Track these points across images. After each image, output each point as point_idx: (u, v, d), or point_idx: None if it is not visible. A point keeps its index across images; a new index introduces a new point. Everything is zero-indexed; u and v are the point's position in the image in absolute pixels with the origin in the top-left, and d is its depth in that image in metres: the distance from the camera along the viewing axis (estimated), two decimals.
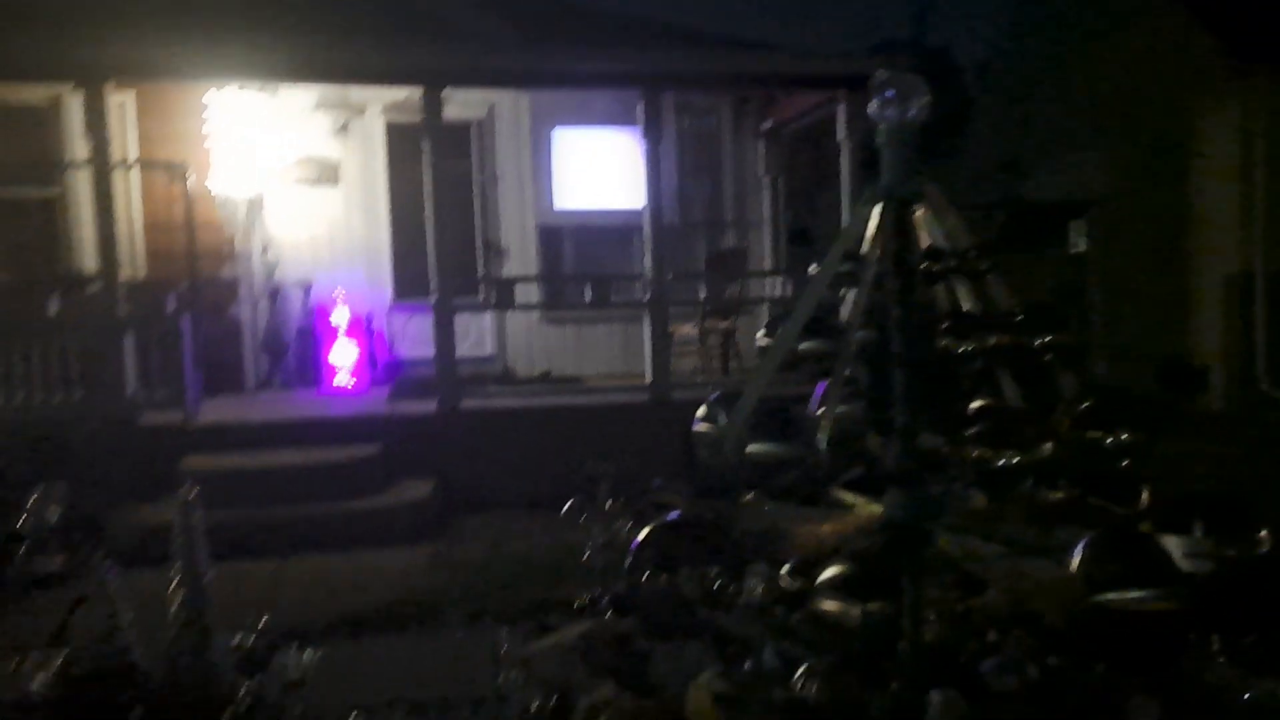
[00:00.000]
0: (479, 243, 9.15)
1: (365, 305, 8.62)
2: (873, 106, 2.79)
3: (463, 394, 7.03)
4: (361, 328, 8.52)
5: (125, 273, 7.02)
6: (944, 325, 2.81)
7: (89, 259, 7.72)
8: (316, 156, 8.55)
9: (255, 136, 8.08)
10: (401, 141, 8.75)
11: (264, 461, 6.13)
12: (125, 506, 5.88)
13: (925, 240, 2.83)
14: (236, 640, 3.42)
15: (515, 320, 8.99)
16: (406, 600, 4.49)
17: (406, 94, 8.10)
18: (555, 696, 3.06)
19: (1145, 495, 2.79)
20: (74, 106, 7.69)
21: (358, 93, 8.53)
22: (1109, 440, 2.71)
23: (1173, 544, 2.61)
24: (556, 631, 3.56)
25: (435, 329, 7.00)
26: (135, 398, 6.59)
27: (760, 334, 3.15)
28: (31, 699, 2.92)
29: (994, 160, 10.83)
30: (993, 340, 2.76)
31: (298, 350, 8.58)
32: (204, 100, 7.94)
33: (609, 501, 4.36)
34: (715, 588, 2.86)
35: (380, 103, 8.67)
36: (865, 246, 2.87)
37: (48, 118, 7.96)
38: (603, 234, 9.38)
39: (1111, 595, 2.38)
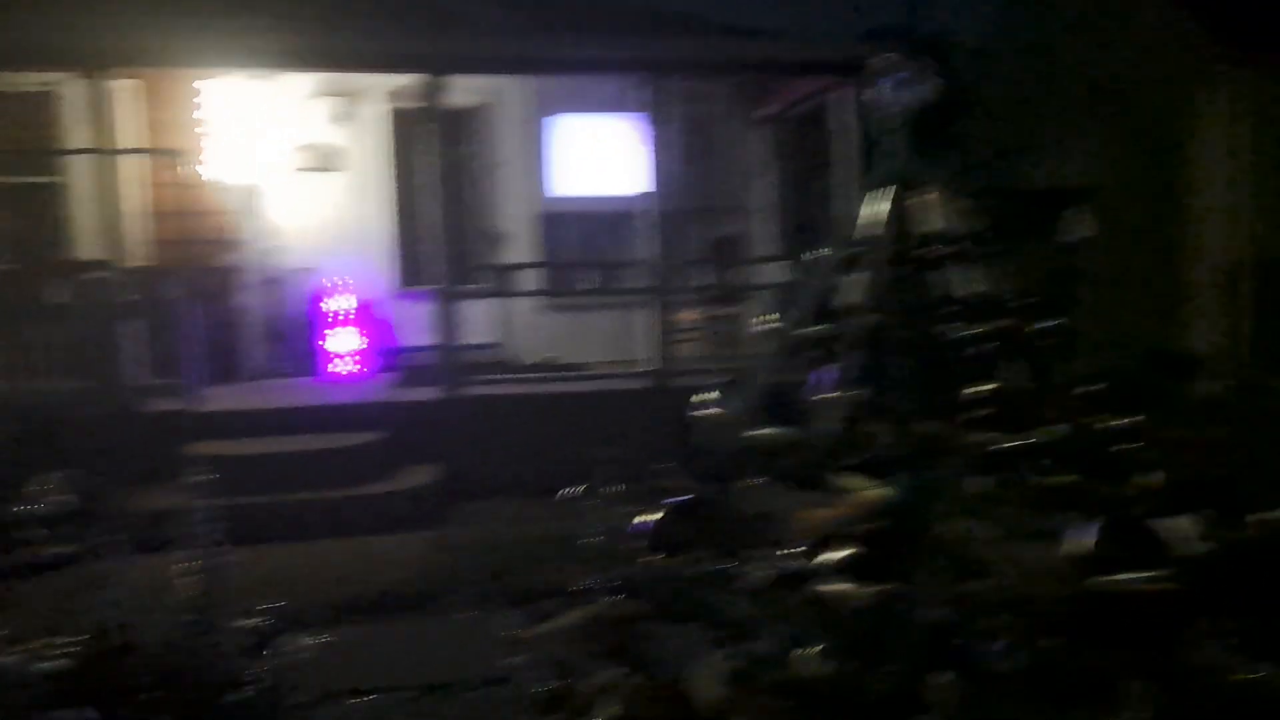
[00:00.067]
0: (481, 230, 9.15)
1: (366, 292, 8.63)
2: (875, 92, 2.80)
3: (465, 381, 7.05)
4: (364, 315, 8.53)
5: (128, 259, 7.03)
6: (945, 310, 2.83)
7: (91, 246, 7.73)
8: (318, 143, 8.54)
9: (256, 123, 8.07)
10: (403, 128, 8.74)
11: (267, 448, 6.16)
12: (129, 492, 5.91)
13: (929, 225, 2.85)
14: (243, 623, 3.45)
15: (516, 307, 8.99)
16: (411, 585, 4.53)
17: (409, 80, 8.09)
18: (560, 678, 3.09)
19: (1147, 479, 2.81)
20: (75, 93, 7.69)
21: (360, 79, 8.51)
22: (1112, 424, 2.73)
23: (1169, 527, 2.63)
24: (560, 615, 3.59)
25: (438, 316, 7.01)
26: (137, 384, 6.61)
27: (762, 319, 3.16)
28: (42, 679, 2.95)
29: (987, 148, 10.81)
30: (993, 325, 2.78)
31: (300, 337, 8.60)
32: (205, 87, 7.93)
33: (611, 486, 4.39)
34: (718, 570, 2.88)
35: (382, 89, 8.66)
36: (867, 232, 2.89)
37: (48, 104, 7.95)
38: (603, 220, 9.38)
39: (1108, 577, 2.41)
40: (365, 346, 8.47)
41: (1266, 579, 2.87)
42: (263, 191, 8.39)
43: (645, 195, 7.38)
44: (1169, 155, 9.27)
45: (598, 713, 2.84)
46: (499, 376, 7.83)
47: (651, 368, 7.33)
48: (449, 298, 7.01)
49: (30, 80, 7.86)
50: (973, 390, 2.92)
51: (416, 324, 8.77)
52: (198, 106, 7.95)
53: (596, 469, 4.76)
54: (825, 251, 3.15)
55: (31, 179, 8.13)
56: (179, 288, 7.28)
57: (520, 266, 8.03)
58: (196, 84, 7.90)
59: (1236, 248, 8.52)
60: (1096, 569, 2.53)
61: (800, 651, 2.77)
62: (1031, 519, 2.94)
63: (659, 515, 3.19)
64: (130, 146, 7.81)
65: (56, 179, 8.08)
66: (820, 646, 2.76)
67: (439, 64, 6.88)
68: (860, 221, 2.98)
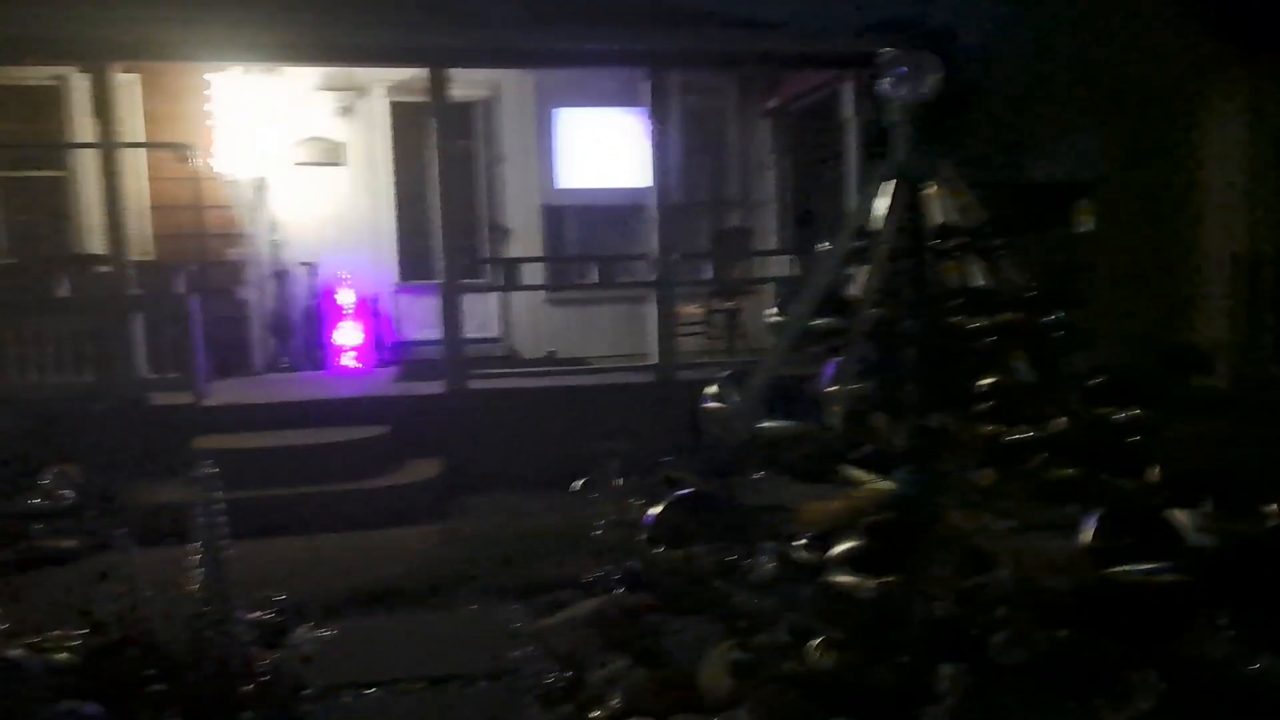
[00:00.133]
0: (484, 223, 9.15)
1: (370, 286, 8.64)
2: (885, 84, 2.80)
3: (468, 375, 7.06)
4: (367, 309, 8.54)
5: (133, 253, 7.03)
6: (955, 302, 2.83)
7: (96, 239, 7.74)
8: (321, 137, 8.54)
9: (260, 117, 8.07)
10: (406, 121, 8.74)
11: (274, 441, 6.17)
12: (137, 485, 5.92)
13: (936, 218, 2.84)
14: (254, 615, 3.47)
15: (519, 301, 9.00)
16: (419, 577, 4.54)
17: (411, 74, 8.08)
18: (569, 670, 3.11)
19: (1154, 471, 2.81)
20: (80, 87, 7.69)
21: (362, 73, 8.51)
22: (1118, 416, 2.73)
23: (1180, 519, 2.64)
24: (569, 606, 3.61)
25: (442, 309, 7.02)
26: (145, 378, 6.62)
27: (771, 311, 3.16)
28: (50, 672, 2.97)
29: (996, 140, 10.78)
30: (1004, 317, 2.78)
31: (304, 332, 8.61)
32: (209, 81, 7.93)
33: (618, 479, 4.40)
34: (727, 563, 2.89)
35: (384, 83, 8.65)
36: (872, 225, 2.89)
37: (54, 98, 7.96)
38: (607, 214, 9.38)
39: (1119, 569, 2.41)
40: (369, 341, 8.48)
41: (1269, 572, 2.87)
42: (268, 186, 8.39)
43: (649, 189, 7.37)
44: (1176, 149, 9.24)
45: (606, 704, 2.85)
46: (502, 371, 7.83)
47: (654, 361, 7.33)
48: (451, 292, 7.01)
49: (38, 74, 7.87)
50: (979, 383, 2.93)
51: (419, 319, 8.79)
52: (207, 99, 7.95)
53: (601, 462, 4.77)
54: (831, 245, 3.15)
55: (38, 173, 8.14)
56: (185, 282, 7.29)
57: (523, 260, 8.03)
58: (205, 77, 7.89)
59: (1252, 240, 8.51)
60: (1099, 561, 2.53)
61: (809, 643, 2.78)
62: (1038, 512, 2.95)
63: (662, 508, 3.20)
64: (136, 140, 7.82)
65: (63, 173, 8.09)
66: (827, 638, 2.77)
67: (441, 57, 6.87)
68: (865, 214, 2.98)
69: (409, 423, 6.63)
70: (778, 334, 3.03)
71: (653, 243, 7.41)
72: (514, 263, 7.86)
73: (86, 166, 7.90)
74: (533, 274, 8.23)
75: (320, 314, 8.53)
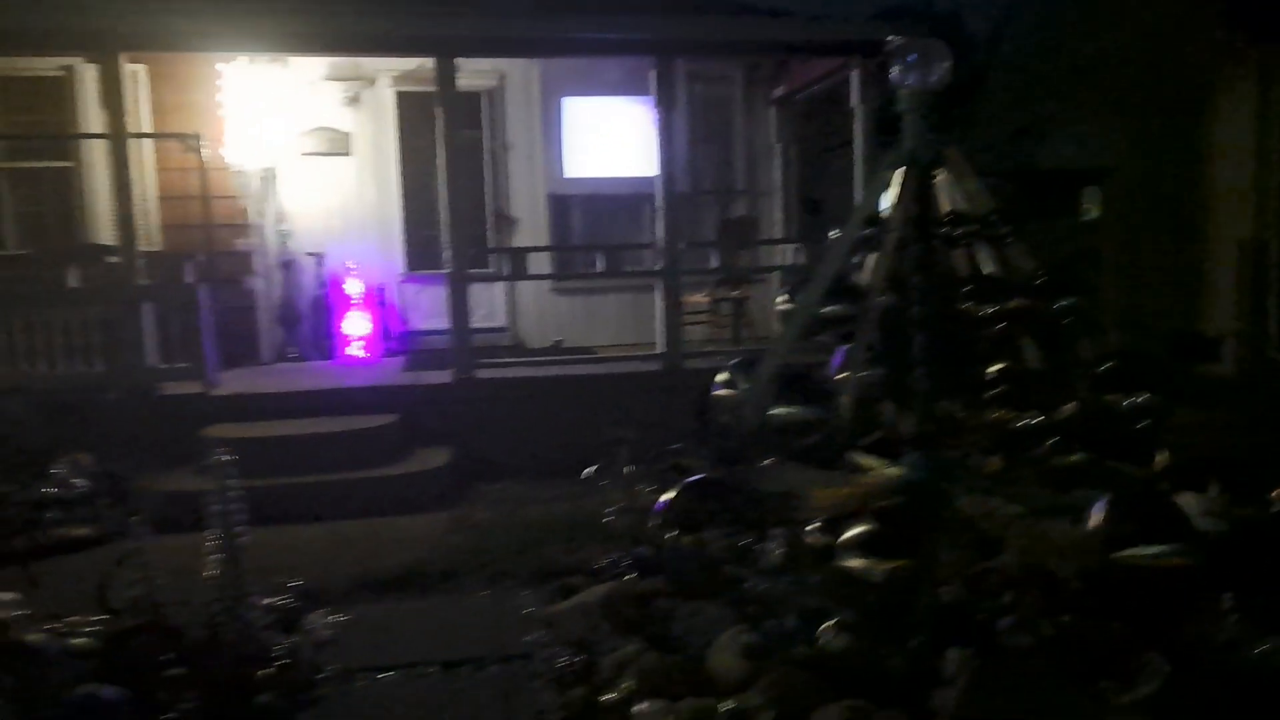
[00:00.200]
0: (490, 213, 9.16)
1: (377, 276, 8.67)
2: (894, 72, 2.80)
3: (475, 364, 7.09)
4: (374, 299, 8.57)
5: (141, 244, 7.07)
6: (964, 289, 2.85)
7: (105, 230, 7.78)
8: (328, 127, 8.55)
9: (267, 108, 8.08)
10: (411, 111, 8.75)
11: (284, 430, 6.21)
12: (148, 474, 5.97)
13: (946, 205, 2.86)
14: (269, 601, 3.51)
15: (526, 291, 9.02)
16: (430, 564, 4.58)
17: (417, 64, 8.09)
18: (581, 655, 3.14)
19: (1161, 457, 2.83)
20: (87, 78, 7.71)
21: (368, 63, 8.51)
22: (1126, 403, 2.75)
23: (1188, 503, 2.66)
24: (580, 592, 3.64)
25: (450, 298, 7.04)
26: (155, 368, 6.66)
27: (781, 299, 3.18)
28: (77, 655, 3.01)
29: (1005, 128, 10.76)
30: (1012, 304, 2.79)
31: (311, 321, 8.65)
32: (220, 71, 7.94)
33: (628, 467, 4.42)
34: (740, 547, 2.92)
35: (390, 73, 8.66)
36: (886, 211, 2.90)
37: (61, 89, 7.98)
38: (613, 203, 9.39)
39: (1127, 552, 2.43)
40: (376, 331, 8.51)
41: (1274, 556, 2.89)
42: (275, 176, 8.42)
43: (655, 177, 7.37)
44: (1185, 137, 9.21)
45: (618, 688, 2.88)
46: (509, 360, 7.87)
47: (661, 350, 7.35)
48: (459, 281, 7.03)
49: (46, 65, 7.89)
50: (988, 370, 2.95)
51: (425, 308, 8.82)
52: (218, 90, 7.97)
53: (608, 450, 4.80)
54: (840, 232, 3.16)
55: (47, 164, 8.17)
56: (193, 272, 7.32)
57: (529, 250, 8.05)
58: (217, 67, 7.91)
59: (1260, 226, 8.49)
60: (1108, 545, 2.55)
61: (820, 627, 2.81)
62: (1047, 497, 2.97)
63: (674, 494, 3.23)
64: (143, 131, 7.84)
65: (71, 164, 8.12)
66: (838, 621, 2.80)
67: (447, 46, 6.88)
68: (874, 202, 2.99)
69: (417, 412, 6.67)
70: (787, 321, 3.05)
71: (659, 232, 7.42)
72: (520, 252, 7.88)
73: (95, 157, 7.93)
74: (539, 263, 8.25)
75: (327, 304, 8.57)
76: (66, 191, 8.15)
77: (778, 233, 9.36)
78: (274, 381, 7.33)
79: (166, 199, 8.12)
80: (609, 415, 5.79)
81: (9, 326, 6.45)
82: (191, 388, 6.62)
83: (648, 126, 7.59)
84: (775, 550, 3.04)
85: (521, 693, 3.14)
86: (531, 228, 9.13)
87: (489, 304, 8.96)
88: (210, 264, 7.93)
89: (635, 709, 2.71)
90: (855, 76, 7.54)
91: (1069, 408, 2.78)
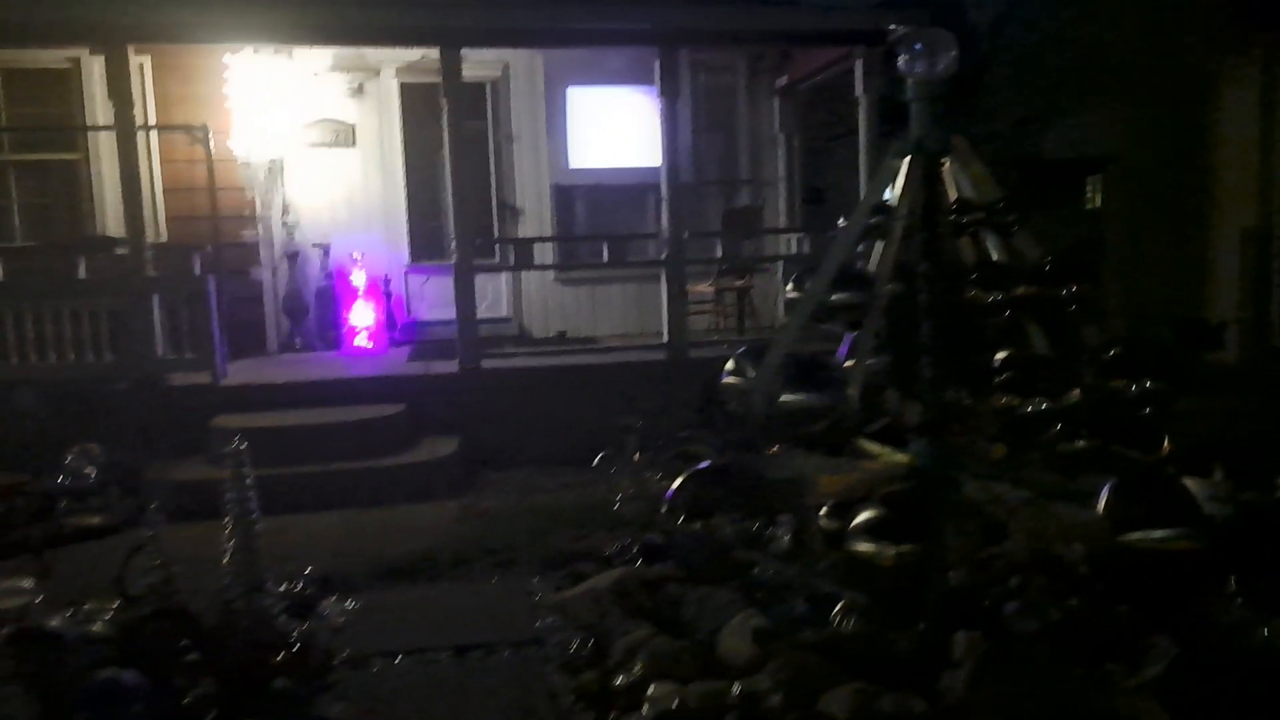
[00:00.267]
0: (494, 203, 9.18)
1: (383, 267, 8.69)
2: (901, 60, 2.82)
3: (481, 354, 7.12)
4: (379, 289, 8.60)
5: (148, 236, 7.09)
6: (970, 276, 2.87)
7: (112, 221, 7.81)
8: (333, 118, 8.57)
9: (272, 99, 8.09)
10: (416, 102, 8.75)
11: (293, 420, 6.25)
12: (157, 464, 6.02)
13: (953, 193, 2.88)
14: (283, 588, 3.56)
15: (530, 281, 9.04)
16: (440, 551, 4.62)
17: (421, 54, 8.09)
18: (592, 639, 3.18)
19: (1165, 443, 2.86)
20: (94, 70, 7.73)
21: (373, 54, 8.51)
22: (1131, 390, 2.77)
23: (1193, 488, 2.69)
24: (589, 578, 3.68)
25: (456, 289, 7.07)
26: (164, 358, 6.70)
27: (788, 288, 3.21)
28: (95, 641, 3.06)
29: (1008, 117, 10.74)
30: (1018, 291, 2.82)
31: (317, 312, 8.67)
32: (227, 64, 7.95)
33: (636, 454, 4.47)
34: (749, 533, 2.96)
35: (395, 64, 8.66)
36: (893, 200, 2.93)
37: (68, 81, 7.99)
38: (617, 193, 9.40)
39: (1134, 535, 2.46)
40: (382, 321, 8.54)
41: (1278, 540, 2.92)
42: (281, 167, 8.43)
43: (659, 167, 7.39)
44: (1189, 126, 9.21)
45: (629, 671, 2.92)
46: (514, 350, 7.89)
47: (665, 340, 7.38)
48: (464, 272, 7.06)
49: (52, 57, 7.90)
50: (994, 357, 2.98)
51: (431, 299, 8.85)
52: (225, 82, 7.97)
53: (615, 439, 4.84)
54: (846, 221, 3.19)
55: (54, 156, 8.19)
56: (203, 262, 7.35)
57: (534, 240, 8.06)
58: (224, 59, 7.92)
59: (1264, 214, 8.50)
60: (1114, 528, 2.58)
61: (828, 611, 2.84)
62: (1054, 483, 3.00)
63: (683, 480, 3.27)
64: (149, 122, 7.86)
65: (78, 156, 8.14)
66: (847, 604, 2.84)
67: (451, 37, 6.88)
68: (881, 191, 3.02)
69: (424, 402, 6.71)
70: (795, 310, 3.07)
71: (663, 221, 7.44)
72: (525, 242, 7.89)
73: (101, 149, 7.95)
74: (543, 254, 8.26)
75: (333, 295, 8.59)
76: (74, 184, 8.17)
77: (782, 222, 9.36)
78: (281, 372, 7.36)
79: (173, 191, 8.13)
80: (615, 405, 5.84)
81: (19, 318, 6.49)
82: (200, 378, 6.65)
83: (652, 116, 7.59)
84: (784, 535, 3.08)
85: (533, 676, 3.18)
86: (536, 218, 9.14)
87: (494, 294, 8.99)
88: (217, 255, 7.96)
89: (647, 692, 2.75)
90: (859, 66, 7.53)
91: (1075, 394, 2.80)
